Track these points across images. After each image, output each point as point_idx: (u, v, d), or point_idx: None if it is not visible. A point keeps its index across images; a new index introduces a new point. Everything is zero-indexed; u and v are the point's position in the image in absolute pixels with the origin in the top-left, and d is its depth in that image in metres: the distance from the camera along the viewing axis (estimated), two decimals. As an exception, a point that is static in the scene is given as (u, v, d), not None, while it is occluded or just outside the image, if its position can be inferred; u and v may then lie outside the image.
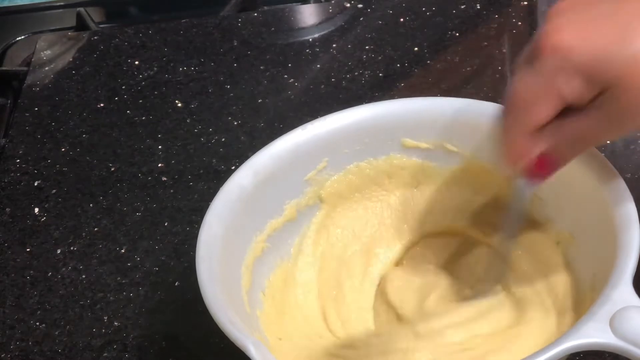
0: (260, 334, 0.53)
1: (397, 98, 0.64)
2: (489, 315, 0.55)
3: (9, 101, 0.92)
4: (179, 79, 0.89)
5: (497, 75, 0.83)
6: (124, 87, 0.89)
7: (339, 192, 0.62)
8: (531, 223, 0.58)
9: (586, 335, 0.44)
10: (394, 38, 0.90)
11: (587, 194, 0.53)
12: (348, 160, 0.62)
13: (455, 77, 0.84)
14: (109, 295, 0.67)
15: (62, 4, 1.08)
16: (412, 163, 0.62)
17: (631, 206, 0.50)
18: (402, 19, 0.92)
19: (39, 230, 0.74)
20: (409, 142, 0.61)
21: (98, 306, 0.66)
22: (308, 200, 0.61)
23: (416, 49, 0.88)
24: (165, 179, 0.77)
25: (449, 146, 0.60)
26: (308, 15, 0.97)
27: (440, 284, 0.59)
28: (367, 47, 0.89)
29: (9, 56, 1.00)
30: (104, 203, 0.75)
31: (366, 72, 0.86)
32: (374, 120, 0.61)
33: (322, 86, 0.85)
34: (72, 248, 0.72)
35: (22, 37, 1.02)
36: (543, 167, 0.49)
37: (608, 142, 0.66)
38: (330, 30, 0.93)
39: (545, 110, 0.46)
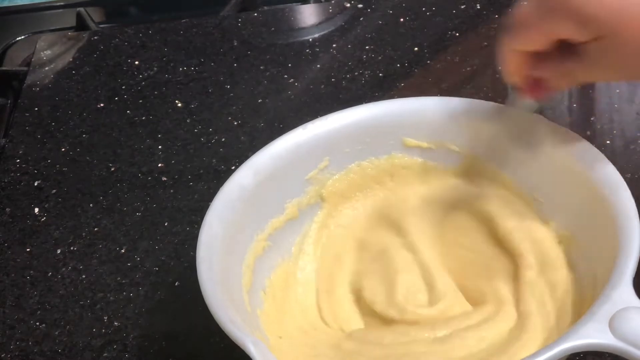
0: (260, 333, 0.53)
1: (397, 98, 0.64)
2: (493, 318, 0.54)
3: (9, 101, 0.92)
4: (179, 79, 0.89)
5: (497, 75, 0.83)
6: (124, 87, 0.89)
7: (340, 191, 0.62)
8: (531, 223, 0.58)
9: (586, 336, 0.44)
10: (394, 38, 0.90)
11: (588, 194, 0.53)
12: (349, 160, 0.62)
13: (455, 77, 0.84)
14: (109, 295, 0.67)
15: (62, 4, 1.08)
16: (414, 162, 0.62)
17: (631, 206, 0.50)
18: (402, 19, 0.92)
19: (39, 230, 0.74)
20: (410, 141, 0.61)
21: (98, 306, 0.66)
22: (309, 199, 0.61)
23: (416, 49, 0.88)
24: (165, 179, 0.77)
25: (450, 146, 0.60)
26: (308, 15, 0.97)
27: (443, 284, 0.59)
28: (367, 47, 0.89)
29: (9, 56, 1.00)
30: (104, 203, 0.75)
31: (366, 72, 0.86)
32: (375, 119, 0.61)
33: (322, 86, 0.85)
34: (72, 248, 0.72)
35: (22, 37, 1.02)
36: (535, 89, 0.54)
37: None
38: (330, 30, 0.93)
39: (536, 41, 0.50)
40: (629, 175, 0.68)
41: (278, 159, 0.59)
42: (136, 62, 0.92)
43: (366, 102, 0.63)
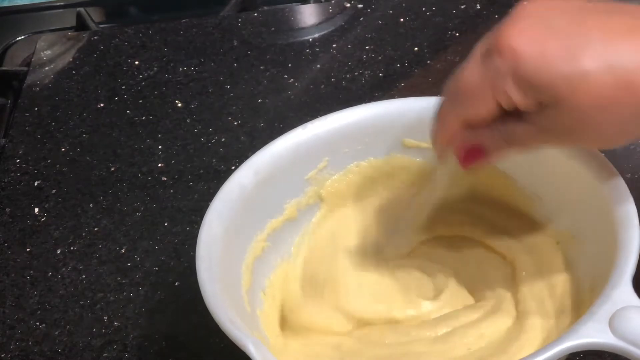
0: (260, 333, 0.53)
1: (397, 98, 0.64)
2: (492, 316, 0.54)
3: (9, 101, 0.92)
4: (179, 79, 0.89)
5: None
6: (124, 87, 0.89)
7: (339, 192, 0.62)
8: (531, 223, 0.58)
9: (585, 335, 0.44)
10: (394, 38, 0.90)
11: (587, 194, 0.53)
12: (349, 160, 0.62)
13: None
14: (109, 295, 0.67)
15: (62, 4, 1.08)
16: (413, 163, 0.62)
17: (631, 206, 0.50)
18: (402, 19, 0.92)
19: (39, 230, 0.74)
20: (410, 141, 0.61)
21: (98, 306, 0.66)
22: (308, 200, 0.61)
23: (416, 49, 0.88)
24: (165, 179, 0.77)
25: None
26: (308, 15, 0.97)
27: (445, 285, 0.59)
28: (367, 47, 0.89)
29: (9, 56, 1.00)
30: (104, 203, 0.75)
31: (366, 72, 0.86)
32: (375, 120, 0.61)
33: (322, 86, 0.85)
34: (72, 248, 0.72)
35: (22, 37, 1.02)
36: (471, 157, 0.50)
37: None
38: (330, 30, 0.93)
39: (482, 110, 0.47)
40: (629, 175, 0.68)
41: (278, 159, 0.59)
42: (136, 62, 0.92)
43: (366, 102, 0.63)
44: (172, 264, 0.69)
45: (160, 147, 0.81)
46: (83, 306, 0.67)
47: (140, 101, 0.87)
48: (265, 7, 1.00)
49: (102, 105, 0.87)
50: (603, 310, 0.44)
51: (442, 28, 0.90)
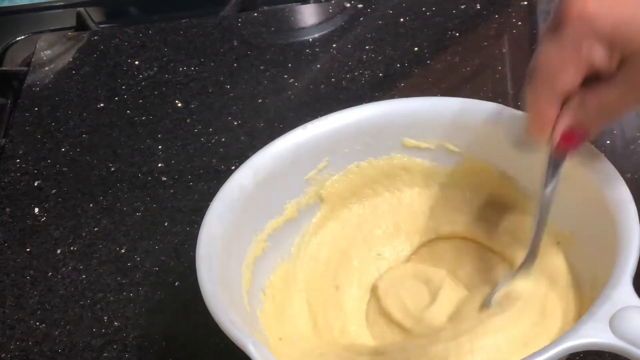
0: (260, 333, 0.53)
1: (397, 98, 0.64)
2: (499, 323, 0.54)
3: (9, 101, 0.92)
4: (179, 79, 0.89)
5: (497, 75, 0.83)
6: (124, 87, 0.89)
7: (339, 192, 0.62)
8: (531, 223, 0.58)
9: (586, 335, 0.44)
10: (394, 38, 0.90)
11: (588, 194, 0.53)
12: (348, 160, 0.62)
13: (455, 77, 0.84)
14: (109, 295, 0.67)
15: (62, 4, 1.08)
16: (413, 163, 0.62)
17: (631, 206, 0.50)
18: (402, 19, 0.92)
19: (39, 230, 0.74)
20: (410, 141, 0.61)
21: (98, 306, 0.66)
22: (308, 200, 0.61)
23: (416, 49, 0.88)
24: (165, 179, 0.77)
25: (450, 146, 0.60)
26: (308, 15, 0.97)
27: (444, 289, 0.59)
28: (367, 47, 0.89)
29: (9, 56, 1.00)
30: (104, 203, 0.75)
31: (366, 72, 0.86)
32: (374, 120, 0.61)
33: (322, 86, 0.85)
34: (72, 248, 0.72)
35: (22, 37, 1.02)
36: (570, 139, 0.50)
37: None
38: (330, 30, 0.93)
39: (571, 76, 0.47)
40: (629, 175, 0.68)
41: (278, 159, 0.59)
42: (136, 62, 0.92)
43: (366, 102, 0.63)
44: (172, 264, 0.69)
45: (160, 147, 0.81)
46: (83, 306, 0.67)
47: (140, 101, 0.87)
48: (265, 7, 1.00)
49: (102, 105, 0.87)
50: (603, 310, 0.44)
51: (442, 28, 0.90)
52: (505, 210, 0.60)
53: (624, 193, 0.51)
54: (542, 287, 0.54)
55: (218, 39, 0.94)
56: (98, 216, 0.74)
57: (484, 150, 0.59)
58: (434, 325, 0.56)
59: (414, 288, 0.59)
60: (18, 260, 0.71)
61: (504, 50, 0.86)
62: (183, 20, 0.97)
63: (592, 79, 0.48)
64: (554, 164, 0.52)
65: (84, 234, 0.73)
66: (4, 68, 0.97)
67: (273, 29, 0.94)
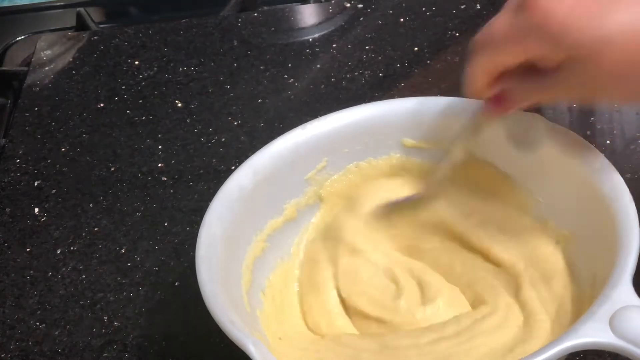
0: (260, 333, 0.53)
1: (397, 98, 0.64)
2: (495, 320, 0.54)
3: (9, 101, 0.92)
4: (179, 79, 0.89)
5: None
6: (124, 87, 0.89)
7: (338, 192, 0.62)
8: (531, 223, 0.58)
9: (586, 335, 0.44)
10: (394, 38, 0.90)
11: (587, 194, 0.53)
12: (348, 160, 0.62)
13: (455, 77, 0.83)
14: (109, 295, 0.67)
15: (62, 4, 1.08)
16: (413, 163, 0.62)
17: (631, 206, 0.50)
18: (402, 19, 0.92)
19: (39, 230, 0.74)
20: (409, 141, 0.61)
21: (98, 306, 0.66)
22: (308, 200, 0.61)
23: (416, 49, 0.88)
24: (165, 179, 0.77)
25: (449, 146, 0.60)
26: (308, 15, 0.97)
27: (440, 290, 0.58)
28: (367, 47, 0.89)
29: (9, 56, 1.00)
30: (104, 203, 0.75)
31: (366, 72, 0.86)
32: (374, 120, 0.61)
33: (322, 86, 0.85)
34: (72, 248, 0.72)
35: (22, 37, 1.02)
36: (498, 103, 0.53)
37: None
38: (330, 30, 0.93)
39: (508, 59, 0.49)
40: (629, 175, 0.68)
41: (277, 159, 0.59)
42: (136, 62, 0.92)
43: (366, 102, 0.63)
44: (172, 264, 0.69)
45: (160, 147, 0.81)
46: (83, 306, 0.67)
47: (140, 101, 0.87)
48: (265, 7, 1.00)
49: (102, 105, 0.87)
50: (603, 310, 0.44)
51: (442, 28, 0.90)
52: (505, 210, 0.60)
53: (624, 193, 0.51)
54: (531, 291, 0.55)
55: (218, 39, 0.94)
56: (98, 216, 0.74)
57: (484, 150, 0.59)
58: (411, 312, 0.56)
59: (374, 278, 0.59)
60: (18, 260, 0.71)
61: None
62: (183, 20, 0.97)
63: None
64: (475, 120, 0.56)
65: (84, 234, 0.73)
66: (4, 68, 0.97)
67: (273, 29, 0.94)
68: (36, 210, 0.76)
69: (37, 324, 0.66)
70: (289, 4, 1.00)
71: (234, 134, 0.81)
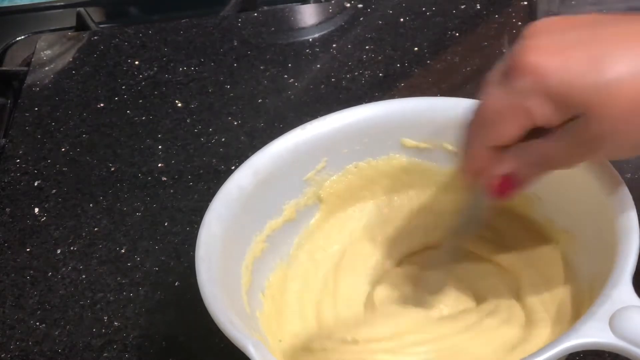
0: (260, 334, 0.53)
1: (397, 98, 0.64)
2: (496, 326, 0.54)
3: (9, 101, 0.92)
4: (179, 79, 0.89)
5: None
6: (124, 87, 0.89)
7: (338, 193, 0.62)
8: (531, 223, 0.58)
9: (585, 335, 0.44)
10: (394, 38, 0.90)
11: (587, 194, 0.53)
12: (347, 160, 0.62)
13: (455, 77, 0.84)
14: (109, 295, 0.67)
15: (62, 4, 1.08)
16: (412, 163, 0.62)
17: (631, 206, 0.50)
18: (402, 19, 0.92)
19: (39, 230, 0.74)
20: (409, 142, 0.61)
21: (98, 306, 0.66)
22: (307, 201, 0.61)
23: (416, 49, 0.88)
24: (165, 179, 0.77)
25: (449, 146, 0.60)
26: (308, 15, 0.97)
27: (441, 295, 0.58)
28: (367, 47, 0.89)
29: (9, 56, 1.00)
30: (104, 203, 0.75)
31: (366, 72, 0.86)
32: (374, 120, 0.61)
33: (322, 86, 0.85)
34: (72, 248, 0.72)
35: (22, 37, 1.02)
36: (505, 187, 0.49)
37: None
38: (330, 30, 0.93)
39: (512, 129, 0.46)
40: (629, 175, 0.68)
41: (277, 160, 0.59)
42: (136, 62, 0.92)
43: (366, 102, 0.63)
44: (172, 264, 0.69)
45: (160, 147, 0.81)
46: (83, 306, 0.67)
47: (140, 101, 0.87)
48: (265, 7, 1.00)
49: (102, 105, 0.87)
50: (603, 310, 0.44)
51: (442, 28, 0.90)
52: (504, 211, 0.60)
53: (624, 193, 0.51)
54: (531, 292, 0.55)
55: (218, 39, 0.94)
56: (98, 216, 0.74)
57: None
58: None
59: (408, 295, 0.59)
60: (18, 260, 0.71)
61: (504, 50, 0.86)
62: (183, 20, 0.97)
63: (533, 131, 0.46)
64: (477, 206, 0.53)
65: (84, 234, 0.73)
66: (4, 68, 0.97)
67: (273, 29, 0.94)
68: (36, 210, 0.76)
69: (37, 324, 0.66)
70: (289, 4, 1.00)
71: (234, 134, 0.81)
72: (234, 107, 0.84)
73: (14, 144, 0.84)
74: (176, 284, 0.67)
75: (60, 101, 0.88)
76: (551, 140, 0.46)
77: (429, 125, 0.60)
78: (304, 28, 0.95)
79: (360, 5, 0.95)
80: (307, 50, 0.91)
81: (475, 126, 0.48)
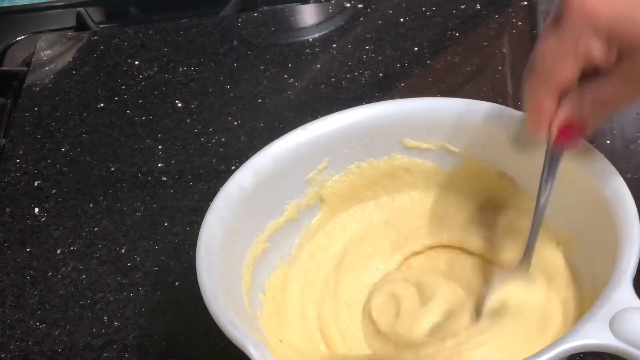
0: (260, 334, 0.53)
1: (397, 98, 0.64)
2: (499, 330, 0.54)
3: (9, 101, 0.92)
4: (179, 79, 0.89)
5: (497, 75, 0.83)
6: (124, 87, 0.89)
7: (339, 193, 0.62)
8: (531, 224, 0.58)
9: (586, 337, 0.44)
10: (394, 38, 0.90)
11: (588, 194, 0.53)
12: (349, 161, 0.62)
13: (455, 77, 0.84)
14: (109, 295, 0.67)
15: (62, 4, 1.08)
16: (414, 163, 0.62)
17: (631, 206, 0.50)
18: (402, 19, 0.92)
19: (39, 230, 0.74)
20: (410, 142, 0.61)
21: (98, 306, 0.66)
22: (309, 201, 0.61)
23: (416, 49, 0.88)
24: (165, 179, 0.77)
25: (450, 147, 0.60)
26: (308, 15, 0.97)
27: (437, 299, 0.58)
28: (367, 47, 0.89)
29: (9, 56, 1.00)
30: (104, 203, 0.75)
31: (366, 72, 0.86)
32: (375, 120, 0.61)
33: (322, 86, 0.85)
34: (72, 248, 0.72)
35: (22, 37, 1.02)
36: (568, 132, 0.50)
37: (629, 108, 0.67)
38: (330, 30, 0.93)
39: (569, 70, 0.48)
40: (629, 175, 0.68)
41: (278, 160, 0.59)
42: (136, 62, 0.92)
43: (366, 102, 0.63)
44: (172, 264, 0.69)
45: (160, 147, 0.81)
46: (83, 306, 0.67)
47: (140, 101, 0.87)
48: (265, 7, 1.00)
49: (102, 105, 0.87)
50: (603, 312, 0.44)
51: (442, 28, 0.90)
52: (505, 212, 0.60)
53: (624, 193, 0.51)
54: (542, 294, 0.54)
55: (218, 39, 0.94)
56: (98, 216, 0.74)
57: (485, 150, 0.59)
58: (425, 336, 0.55)
59: (406, 298, 0.59)
60: (18, 260, 0.71)
61: (504, 50, 0.86)
62: (183, 20, 0.97)
63: (591, 74, 0.48)
64: (552, 159, 0.53)
65: (84, 234, 0.73)
66: (4, 68, 0.97)
67: (273, 29, 0.94)
68: (36, 210, 0.76)
69: (37, 324, 0.66)
70: (289, 4, 1.00)
71: (234, 134, 0.81)
72: (234, 107, 0.84)
73: (14, 144, 0.84)
74: (176, 284, 0.67)
75: (60, 101, 0.88)
76: (606, 79, 0.48)
77: (429, 126, 0.60)
78: (304, 28, 0.95)
79: (360, 5, 0.95)
80: (307, 50, 0.91)
81: (534, 73, 0.50)
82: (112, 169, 0.79)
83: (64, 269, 0.70)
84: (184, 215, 0.73)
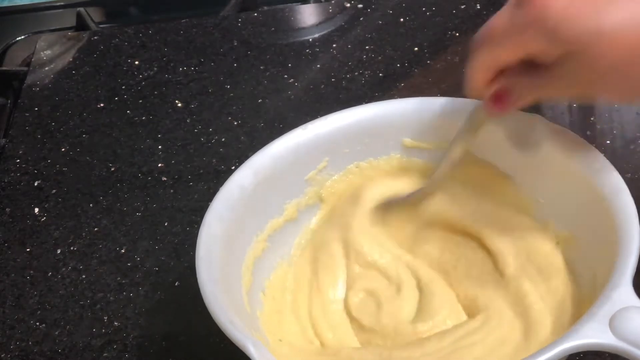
0: (260, 334, 0.53)
1: (397, 98, 0.64)
2: (494, 326, 0.54)
3: (9, 101, 0.92)
4: (179, 79, 0.89)
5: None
6: (124, 87, 0.89)
7: (339, 192, 0.62)
8: (531, 223, 0.58)
9: (586, 336, 0.44)
10: (394, 38, 0.90)
11: (587, 194, 0.53)
12: (348, 160, 0.62)
13: (455, 77, 0.84)
14: (109, 295, 0.67)
15: (62, 4, 1.08)
16: (413, 163, 0.62)
17: (631, 206, 0.50)
18: (402, 19, 0.92)
19: (39, 230, 0.74)
20: (410, 142, 0.61)
21: (98, 306, 0.66)
22: (308, 200, 0.61)
23: (416, 49, 0.88)
24: (165, 179, 0.77)
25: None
26: (308, 15, 0.97)
27: (436, 295, 0.58)
28: (367, 47, 0.89)
29: (9, 56, 1.00)
30: (104, 203, 0.75)
31: (366, 72, 0.86)
32: (374, 120, 0.61)
33: (322, 86, 0.85)
34: (72, 248, 0.72)
35: (22, 37, 1.02)
36: (498, 101, 0.53)
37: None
38: (330, 30, 0.93)
39: (508, 55, 0.50)
40: (629, 175, 0.68)
41: (278, 160, 0.59)
42: (136, 62, 0.92)
43: (366, 102, 0.63)
44: (172, 264, 0.69)
45: (160, 147, 0.81)
46: (83, 306, 0.67)
47: (140, 101, 0.87)
48: (265, 7, 1.00)
49: (102, 105, 0.87)
50: (603, 311, 0.44)
51: (442, 28, 0.90)
52: (505, 211, 0.60)
53: (624, 193, 0.51)
54: (531, 295, 0.55)
55: (218, 39, 0.94)
56: (98, 216, 0.74)
57: (484, 150, 0.59)
58: (412, 330, 0.56)
59: (381, 289, 0.59)
60: (18, 260, 0.71)
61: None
62: (183, 20, 0.97)
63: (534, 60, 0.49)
64: (476, 119, 0.56)
65: (84, 234, 0.73)
66: (4, 68, 0.97)
67: (273, 29, 0.94)
68: (36, 210, 0.76)
69: (37, 324, 0.66)
70: (289, 4, 1.00)
71: (234, 134, 0.81)
72: (234, 107, 0.84)
73: (14, 144, 0.84)
74: (176, 284, 0.67)
75: (60, 101, 0.88)
76: (547, 71, 0.49)
77: (429, 125, 0.60)
78: (304, 28, 0.95)
79: (360, 5, 0.95)
80: (307, 50, 0.91)
81: (478, 42, 0.51)
82: (112, 169, 0.79)
83: (64, 269, 0.70)
84: (184, 215, 0.73)
